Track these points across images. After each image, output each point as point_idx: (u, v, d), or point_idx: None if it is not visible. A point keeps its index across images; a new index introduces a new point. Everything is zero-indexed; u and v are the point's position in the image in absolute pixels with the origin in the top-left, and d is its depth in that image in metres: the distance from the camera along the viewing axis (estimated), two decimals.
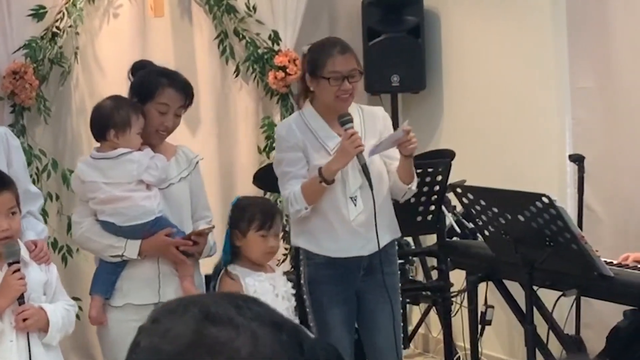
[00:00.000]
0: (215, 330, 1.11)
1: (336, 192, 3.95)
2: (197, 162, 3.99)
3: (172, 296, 3.73)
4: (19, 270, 3.29)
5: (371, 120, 4.08)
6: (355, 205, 3.97)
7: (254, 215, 3.83)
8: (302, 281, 4.07)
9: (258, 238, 3.81)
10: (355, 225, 3.98)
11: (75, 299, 5.26)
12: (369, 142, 3.96)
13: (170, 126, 3.87)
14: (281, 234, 4.00)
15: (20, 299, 3.29)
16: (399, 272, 4.24)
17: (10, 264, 3.31)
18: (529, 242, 3.86)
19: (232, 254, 3.87)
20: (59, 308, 3.41)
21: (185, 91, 3.90)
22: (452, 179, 4.80)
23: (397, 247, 4.23)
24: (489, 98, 5.67)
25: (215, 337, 1.11)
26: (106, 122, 3.77)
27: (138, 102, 3.84)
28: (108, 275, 3.83)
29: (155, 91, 3.83)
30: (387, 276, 4.06)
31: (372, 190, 3.89)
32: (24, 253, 3.40)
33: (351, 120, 3.91)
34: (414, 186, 4.11)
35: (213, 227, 3.91)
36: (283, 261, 5.40)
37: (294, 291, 3.93)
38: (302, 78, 4.09)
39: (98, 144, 3.88)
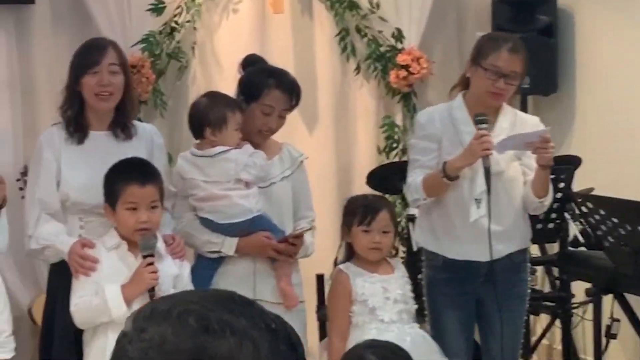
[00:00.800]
0: (216, 344, 1.09)
1: (462, 191, 3.90)
2: (302, 161, 4.00)
3: (268, 294, 3.83)
4: (152, 263, 3.41)
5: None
6: (478, 207, 3.89)
7: (357, 209, 3.87)
8: (422, 283, 4.08)
9: (360, 233, 3.85)
10: (476, 228, 3.89)
11: None
12: (508, 152, 3.88)
13: (274, 127, 3.90)
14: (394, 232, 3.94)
15: (151, 292, 3.41)
16: (527, 280, 4.13)
17: (145, 257, 3.43)
18: None
19: (349, 252, 3.94)
20: None
21: (292, 93, 3.92)
22: (581, 186, 4.70)
23: (528, 256, 4.13)
24: (624, 103, 5.47)
25: (218, 351, 1.09)
26: (202, 120, 3.81)
27: (244, 101, 3.86)
28: (205, 270, 3.87)
29: (261, 92, 3.86)
30: (513, 284, 4.00)
31: (489, 195, 3.77)
32: (160, 245, 3.52)
33: (486, 122, 3.83)
34: (547, 201, 3.99)
35: (311, 227, 3.91)
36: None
37: (412, 294, 3.91)
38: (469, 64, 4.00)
39: None
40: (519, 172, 3.96)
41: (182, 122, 5.51)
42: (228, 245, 3.81)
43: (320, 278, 4.66)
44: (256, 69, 4.00)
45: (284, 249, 3.82)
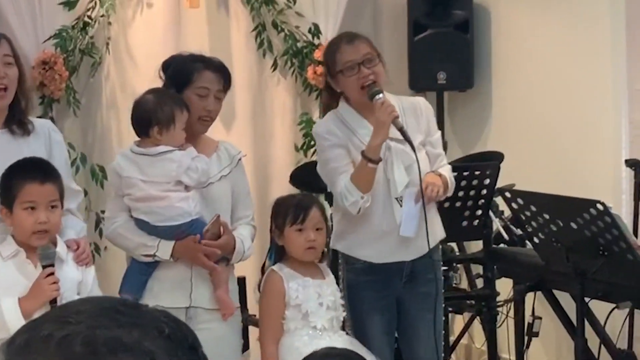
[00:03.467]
0: None
1: (380, 193, 3.93)
2: (240, 159, 3.99)
3: (205, 301, 3.80)
4: (53, 273, 3.32)
5: (413, 113, 4.05)
6: (401, 206, 3.94)
7: (288, 209, 3.84)
8: (340, 287, 4.04)
9: (294, 233, 3.81)
10: (406, 234, 3.93)
11: None
12: (412, 138, 3.91)
13: (212, 109, 3.88)
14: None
15: (53, 303, 3.31)
16: (442, 279, 4.21)
17: (44, 267, 3.34)
18: (582, 251, 3.84)
19: (279, 254, 3.89)
20: None
21: (223, 73, 3.93)
22: (501, 182, 4.78)
23: (441, 253, 4.22)
24: (540, 98, 5.64)
25: None
26: (149, 118, 3.75)
27: (176, 91, 3.84)
28: (139, 275, 3.84)
29: (192, 76, 3.85)
30: (431, 283, 4.06)
31: (418, 163, 3.85)
32: (61, 250, 3.43)
33: (380, 92, 3.87)
34: (450, 193, 4.10)
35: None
36: None
37: (342, 301, 3.91)
38: (326, 86, 4.08)
39: (130, 139, 3.90)
40: (426, 159, 4.02)
41: (96, 120, 5.53)
42: (163, 249, 3.76)
43: (241, 281, 4.68)
44: (180, 58, 3.99)
45: (210, 243, 3.76)
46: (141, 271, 3.83)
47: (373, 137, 3.84)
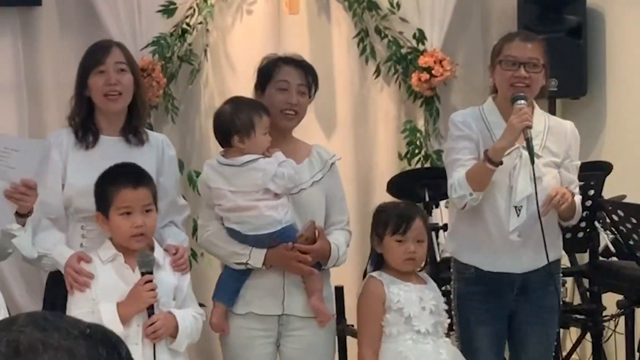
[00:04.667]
0: None
1: (499, 198, 3.92)
2: (333, 163, 3.98)
3: (298, 309, 3.83)
4: (151, 281, 3.41)
5: (556, 133, 4.02)
6: (518, 215, 3.90)
7: (389, 218, 3.83)
8: (451, 296, 4.07)
9: (394, 243, 3.80)
10: (513, 238, 3.91)
11: (199, 305, 5.38)
12: (546, 158, 3.91)
13: (295, 103, 3.88)
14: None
15: (150, 309, 3.41)
16: (559, 293, 4.14)
17: (143, 274, 3.43)
18: None
19: (378, 262, 3.90)
20: (187, 315, 3.54)
21: (304, 68, 3.96)
22: (612, 193, 4.69)
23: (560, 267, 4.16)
24: None
25: None
26: (228, 128, 3.79)
27: (261, 92, 3.90)
28: (232, 282, 3.88)
29: (272, 72, 3.91)
30: (546, 296, 4.01)
31: (534, 177, 3.82)
32: (158, 255, 3.52)
33: (524, 98, 3.85)
34: (573, 222, 4.06)
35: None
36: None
37: (446, 307, 3.89)
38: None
39: None
40: (557, 180, 3.98)
41: (194, 127, 5.58)
42: (255, 257, 3.78)
43: (339, 290, 4.65)
44: (264, 59, 4.05)
45: (304, 248, 3.77)
46: (234, 279, 3.88)
47: (500, 139, 3.85)
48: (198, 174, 5.41)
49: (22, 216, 3.51)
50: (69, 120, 3.77)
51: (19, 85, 5.21)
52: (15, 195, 3.45)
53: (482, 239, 3.97)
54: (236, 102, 3.88)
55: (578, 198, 4.03)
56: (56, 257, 3.59)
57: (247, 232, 3.78)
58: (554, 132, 4.01)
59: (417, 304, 3.75)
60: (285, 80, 3.89)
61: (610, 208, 4.07)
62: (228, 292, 3.86)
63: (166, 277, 3.51)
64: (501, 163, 3.82)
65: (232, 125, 3.77)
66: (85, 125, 3.73)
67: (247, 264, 3.79)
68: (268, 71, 3.93)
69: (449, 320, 3.89)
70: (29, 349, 1.11)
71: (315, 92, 4.02)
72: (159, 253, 3.53)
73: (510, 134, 3.81)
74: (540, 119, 4.00)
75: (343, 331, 4.71)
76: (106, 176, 3.52)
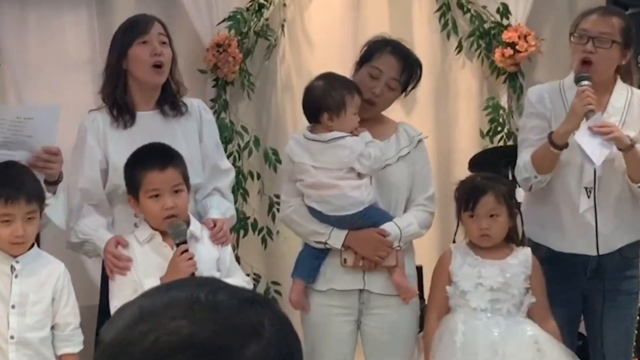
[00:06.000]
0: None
1: (570, 179, 3.87)
2: (420, 140, 3.94)
3: (378, 286, 3.80)
4: (186, 250, 3.38)
5: (638, 106, 3.91)
6: (588, 197, 3.85)
7: (463, 194, 3.84)
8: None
9: (467, 219, 3.81)
10: (585, 220, 3.86)
11: (274, 283, 5.36)
12: (626, 133, 3.79)
13: (377, 93, 3.83)
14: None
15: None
16: (638, 277, 4.03)
17: (177, 244, 3.40)
18: None
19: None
20: (236, 283, 3.45)
21: (406, 63, 3.89)
22: None
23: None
24: None
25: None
26: (318, 105, 3.77)
27: (358, 68, 3.87)
28: (312, 259, 3.86)
29: (373, 55, 3.86)
30: (623, 280, 3.95)
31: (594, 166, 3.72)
32: (194, 228, 3.49)
33: (588, 79, 3.75)
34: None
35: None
36: None
37: (526, 285, 3.77)
38: None
39: (305, 123, 3.90)
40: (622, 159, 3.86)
41: (271, 104, 5.55)
42: (335, 238, 3.76)
43: (418, 270, 4.59)
44: (378, 35, 4.00)
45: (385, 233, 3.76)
46: (314, 255, 3.86)
47: (564, 123, 3.78)
48: (274, 151, 5.39)
49: (51, 184, 3.52)
50: (101, 94, 3.73)
51: (94, 60, 5.21)
52: (39, 163, 3.46)
53: (552, 218, 3.93)
54: (329, 79, 3.83)
55: None
56: (97, 242, 3.58)
57: (329, 212, 3.77)
58: (636, 104, 3.90)
59: (473, 279, 3.74)
60: (379, 69, 3.84)
61: None
62: (308, 269, 3.85)
63: (205, 251, 3.50)
64: (566, 146, 3.75)
65: (323, 102, 3.75)
66: (121, 100, 3.69)
67: (326, 243, 3.78)
68: (371, 52, 3.89)
69: (530, 299, 3.77)
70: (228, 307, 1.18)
71: (412, 89, 3.97)
72: (194, 226, 3.51)
73: (572, 118, 3.74)
74: (622, 93, 3.89)
75: (422, 310, 4.66)
76: (132, 160, 3.51)
